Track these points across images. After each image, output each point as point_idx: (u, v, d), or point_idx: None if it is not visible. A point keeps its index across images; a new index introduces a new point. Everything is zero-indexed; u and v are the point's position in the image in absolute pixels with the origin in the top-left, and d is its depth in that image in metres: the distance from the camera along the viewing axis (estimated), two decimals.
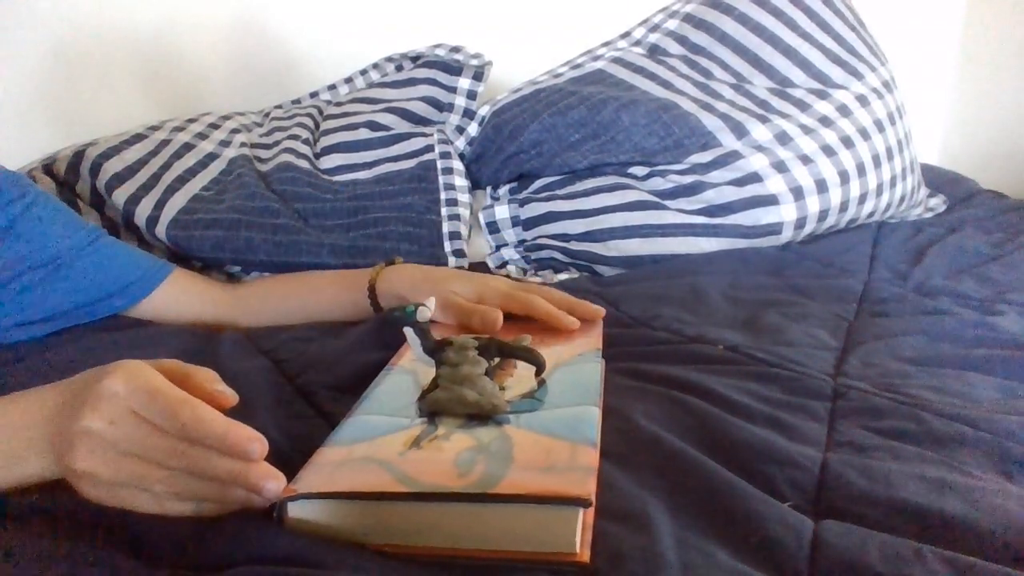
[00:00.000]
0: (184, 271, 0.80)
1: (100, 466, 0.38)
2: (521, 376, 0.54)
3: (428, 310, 0.54)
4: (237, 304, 0.79)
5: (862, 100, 1.05)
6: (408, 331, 0.53)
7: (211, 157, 0.99)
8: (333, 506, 0.40)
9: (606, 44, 1.19)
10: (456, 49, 1.13)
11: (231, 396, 0.44)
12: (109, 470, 0.39)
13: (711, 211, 0.94)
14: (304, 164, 0.99)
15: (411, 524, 0.40)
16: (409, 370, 0.56)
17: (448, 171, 1.01)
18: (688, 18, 1.12)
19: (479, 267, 0.98)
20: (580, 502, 0.38)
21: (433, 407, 0.48)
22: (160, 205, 0.89)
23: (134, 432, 0.39)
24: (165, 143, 0.99)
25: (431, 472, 0.41)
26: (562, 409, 0.49)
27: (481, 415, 0.47)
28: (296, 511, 0.40)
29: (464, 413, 0.47)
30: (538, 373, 0.54)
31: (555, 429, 0.45)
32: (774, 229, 0.94)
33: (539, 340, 0.59)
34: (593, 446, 0.44)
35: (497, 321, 0.62)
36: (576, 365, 0.56)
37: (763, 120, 0.98)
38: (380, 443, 0.44)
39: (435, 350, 0.53)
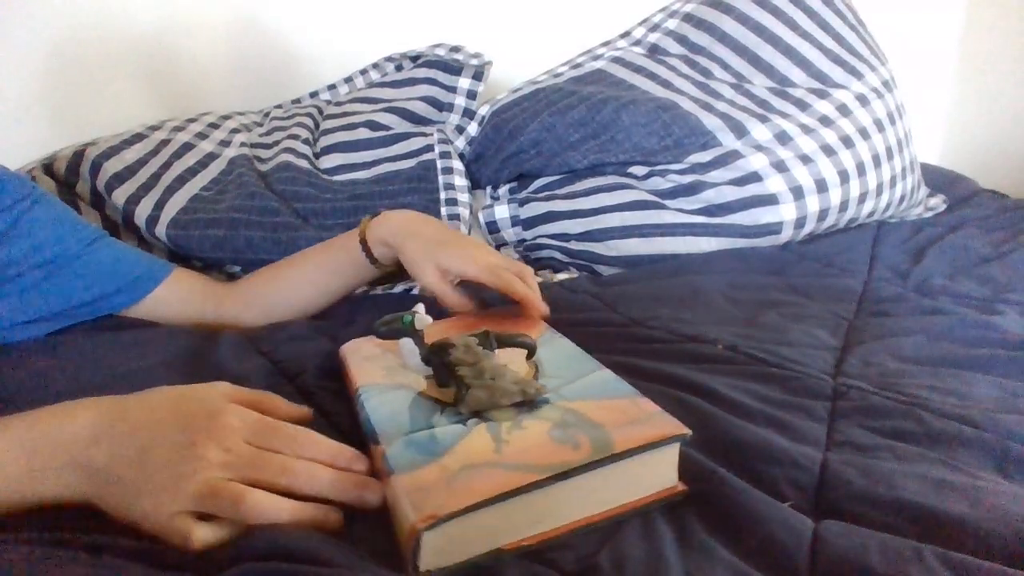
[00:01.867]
0: (185, 270, 0.80)
1: (222, 470, 0.40)
2: (511, 360, 0.55)
3: (427, 317, 0.55)
4: (237, 301, 0.79)
5: (862, 100, 1.05)
6: (407, 341, 0.53)
7: (211, 157, 0.99)
8: (465, 523, 0.38)
9: (606, 44, 1.19)
10: (456, 49, 1.13)
11: (308, 411, 0.51)
12: (231, 474, 0.41)
13: (711, 211, 0.94)
14: (304, 164, 0.99)
15: (540, 511, 0.40)
16: (394, 385, 0.53)
17: (448, 171, 1.01)
18: (688, 18, 1.12)
19: None
20: (683, 437, 0.43)
21: (478, 406, 0.47)
22: (160, 205, 0.89)
23: (250, 453, 0.42)
24: (165, 143, 0.99)
25: (544, 456, 0.41)
26: (583, 379, 0.51)
27: (526, 400, 0.48)
28: (432, 540, 0.38)
29: (510, 404, 0.48)
30: (530, 356, 0.55)
31: (600, 393, 0.49)
32: (774, 229, 0.94)
33: (491, 324, 0.60)
34: (641, 397, 0.48)
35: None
36: (546, 345, 0.58)
37: (763, 120, 0.98)
38: (461, 451, 0.43)
39: (434, 354, 0.52)
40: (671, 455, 0.44)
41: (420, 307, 0.56)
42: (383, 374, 0.54)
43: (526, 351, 0.55)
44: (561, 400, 0.48)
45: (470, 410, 0.47)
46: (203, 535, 0.39)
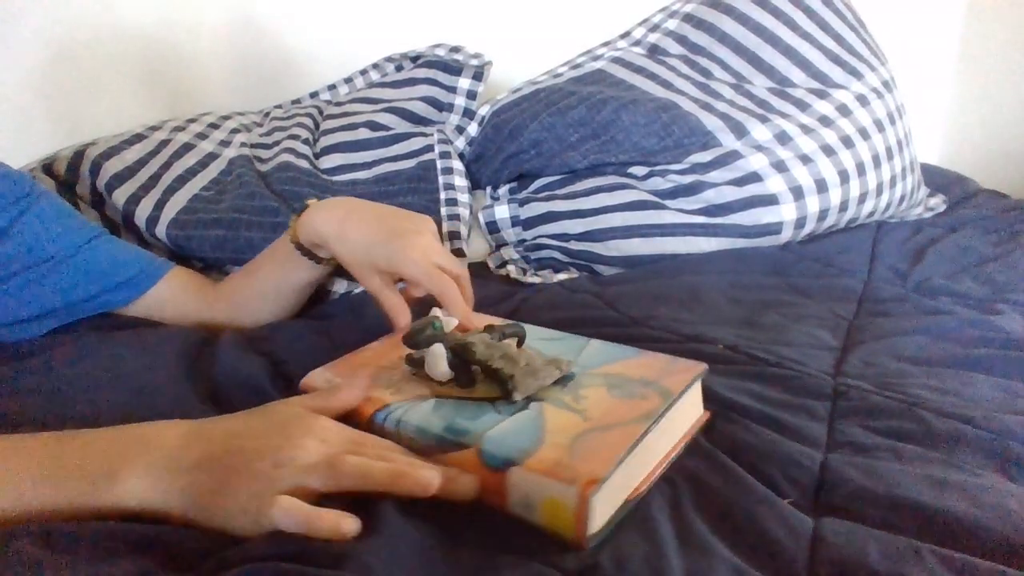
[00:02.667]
0: (183, 269, 0.80)
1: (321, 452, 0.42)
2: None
3: (452, 319, 0.56)
4: (224, 300, 0.78)
5: (862, 100, 1.05)
6: (439, 347, 0.52)
7: (211, 157, 0.99)
8: (608, 483, 0.40)
9: (606, 44, 1.19)
10: (456, 49, 1.13)
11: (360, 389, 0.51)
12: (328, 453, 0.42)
13: (711, 211, 0.94)
14: (304, 164, 0.99)
15: (640, 460, 0.45)
16: (410, 399, 0.51)
17: (448, 171, 1.01)
18: (688, 18, 1.12)
19: (479, 267, 0.98)
20: (705, 371, 0.51)
21: (528, 391, 0.48)
22: (160, 205, 0.89)
23: (346, 438, 0.45)
24: (165, 143, 0.99)
25: (627, 412, 0.46)
26: (585, 350, 0.56)
27: (563, 376, 0.51)
28: (596, 504, 0.39)
29: (552, 382, 0.50)
30: (520, 344, 0.57)
31: (613, 357, 0.54)
32: (774, 229, 0.94)
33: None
34: (646, 352, 0.55)
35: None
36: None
37: (763, 120, 0.98)
38: (555, 429, 0.45)
39: (456, 356, 0.52)
40: (698, 389, 0.52)
41: (437, 310, 0.56)
42: (387, 393, 0.53)
43: (516, 339, 0.56)
44: (584, 370, 0.52)
45: (524, 396, 0.48)
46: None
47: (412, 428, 0.48)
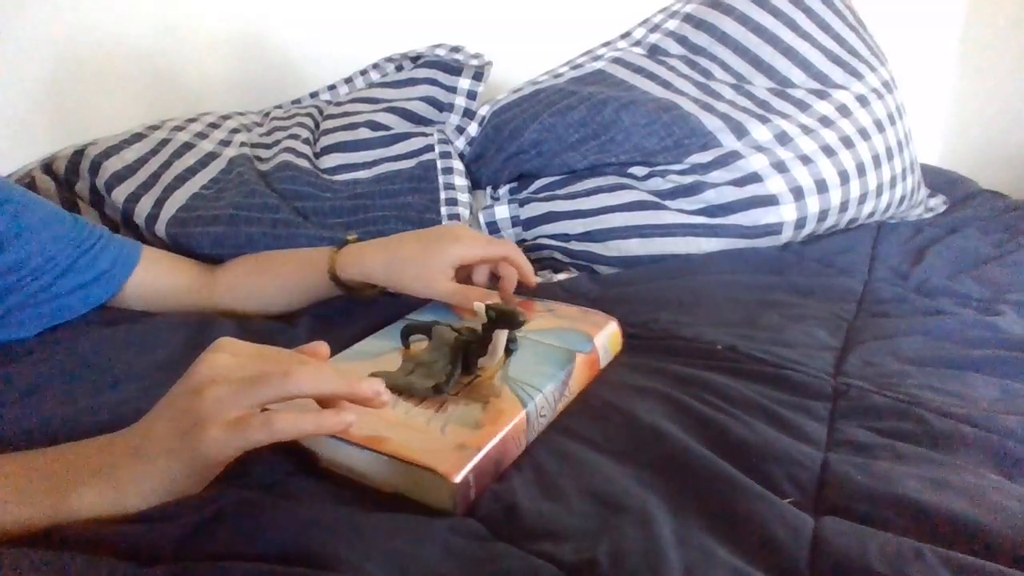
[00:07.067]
0: (151, 249, 0.78)
1: (223, 389, 0.42)
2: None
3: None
4: (221, 287, 0.78)
5: (862, 100, 1.05)
6: (504, 333, 0.57)
7: (211, 156, 0.99)
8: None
9: (606, 44, 1.19)
10: (456, 49, 1.13)
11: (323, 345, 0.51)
12: (230, 387, 0.42)
13: (711, 211, 0.94)
14: (304, 163, 0.99)
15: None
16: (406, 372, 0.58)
17: (448, 171, 1.01)
18: (688, 18, 1.12)
19: None
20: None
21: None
22: (160, 203, 0.89)
23: (247, 358, 0.45)
24: (165, 142, 0.99)
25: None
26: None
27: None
28: None
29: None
30: (518, 327, 0.60)
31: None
32: (774, 229, 0.94)
33: None
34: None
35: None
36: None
37: (763, 120, 0.98)
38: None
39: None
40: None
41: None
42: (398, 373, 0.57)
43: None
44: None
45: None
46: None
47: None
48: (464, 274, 0.71)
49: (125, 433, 0.44)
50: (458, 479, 0.44)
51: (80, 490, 0.41)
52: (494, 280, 0.72)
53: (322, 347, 0.50)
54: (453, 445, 0.47)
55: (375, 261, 0.70)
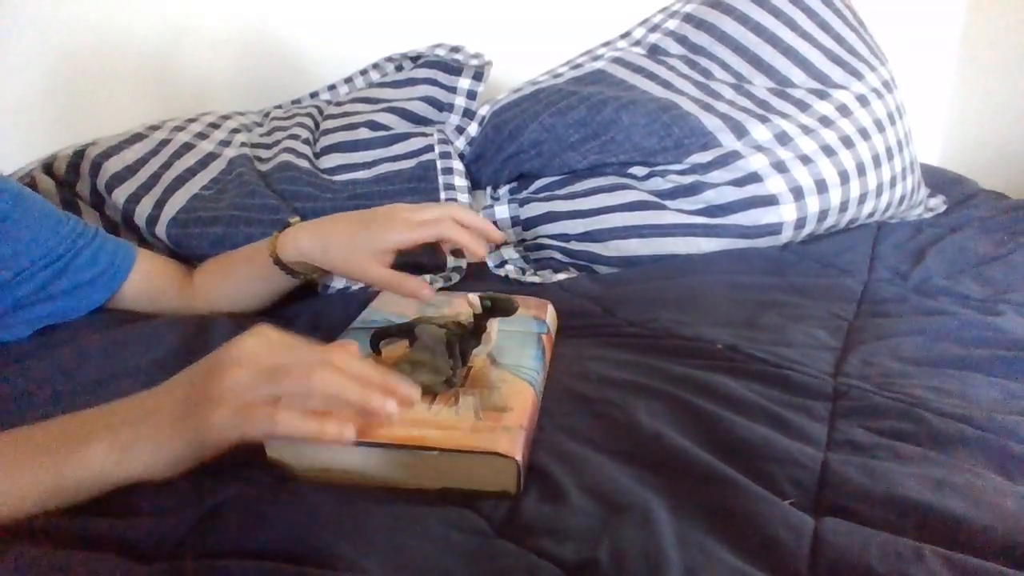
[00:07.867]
0: (143, 250, 0.78)
1: (245, 374, 0.42)
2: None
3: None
4: (207, 298, 0.78)
5: (862, 100, 1.05)
6: (497, 321, 0.59)
7: (211, 157, 0.99)
8: None
9: (606, 44, 1.19)
10: (456, 49, 1.13)
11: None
12: (251, 373, 0.42)
13: (711, 211, 0.94)
14: (304, 164, 0.99)
15: None
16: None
17: (448, 171, 1.01)
18: (688, 18, 1.12)
19: (478, 267, 0.98)
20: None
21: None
22: (160, 204, 0.89)
23: (278, 347, 0.44)
24: (165, 143, 0.99)
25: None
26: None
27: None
28: None
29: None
30: (510, 313, 0.61)
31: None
32: (774, 229, 0.94)
33: None
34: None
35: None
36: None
37: (763, 120, 0.98)
38: None
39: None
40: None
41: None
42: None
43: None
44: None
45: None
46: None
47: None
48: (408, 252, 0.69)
49: (146, 395, 0.45)
50: (519, 457, 0.45)
51: (92, 443, 0.42)
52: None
53: (352, 347, 0.49)
54: (497, 428, 0.48)
55: (312, 243, 0.70)
